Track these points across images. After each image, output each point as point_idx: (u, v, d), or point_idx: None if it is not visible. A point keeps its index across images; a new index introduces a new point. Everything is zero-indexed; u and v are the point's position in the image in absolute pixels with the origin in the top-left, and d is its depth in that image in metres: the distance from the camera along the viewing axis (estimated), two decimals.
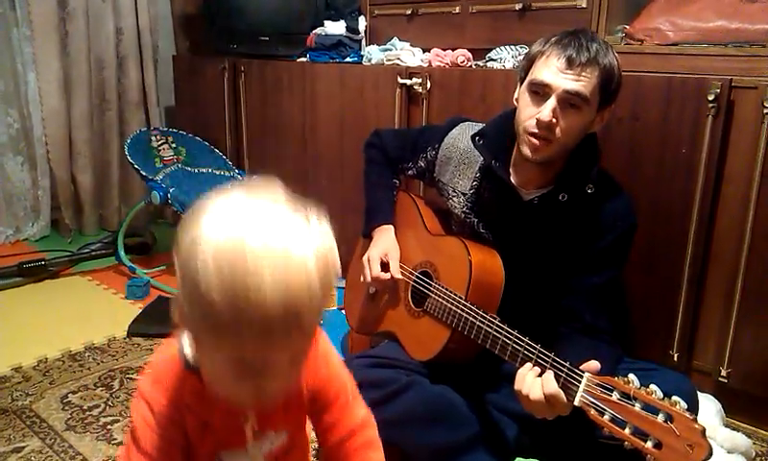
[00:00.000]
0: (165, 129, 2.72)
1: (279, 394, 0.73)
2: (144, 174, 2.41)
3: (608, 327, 1.33)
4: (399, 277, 1.49)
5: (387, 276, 1.50)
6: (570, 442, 1.33)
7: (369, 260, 1.53)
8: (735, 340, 1.53)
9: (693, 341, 1.62)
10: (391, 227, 1.59)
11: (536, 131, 1.25)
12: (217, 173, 2.67)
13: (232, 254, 0.61)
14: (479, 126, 1.46)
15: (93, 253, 2.58)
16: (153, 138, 2.61)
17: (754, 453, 1.39)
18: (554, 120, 1.23)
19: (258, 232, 0.62)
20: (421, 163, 1.57)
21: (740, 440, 1.31)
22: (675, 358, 1.61)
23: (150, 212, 3.10)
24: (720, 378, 1.56)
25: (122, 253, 2.49)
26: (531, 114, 1.26)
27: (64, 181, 2.87)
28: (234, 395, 0.71)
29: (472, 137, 1.41)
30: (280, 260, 0.62)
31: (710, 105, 1.46)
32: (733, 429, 1.39)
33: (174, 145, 2.65)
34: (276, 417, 0.82)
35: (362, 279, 1.55)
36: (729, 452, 1.27)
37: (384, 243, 1.55)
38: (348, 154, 2.32)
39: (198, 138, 2.71)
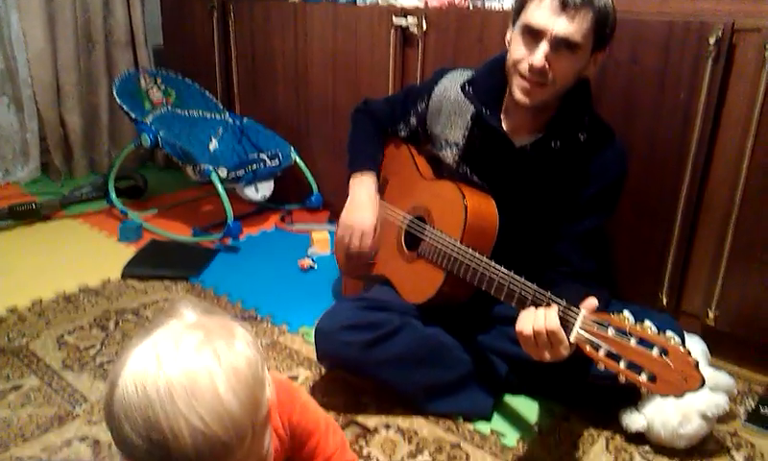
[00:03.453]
0: (154, 70, 2.65)
1: None
2: (133, 116, 2.37)
3: (596, 272, 1.35)
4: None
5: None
6: (558, 381, 1.37)
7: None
8: (724, 285, 1.55)
9: (682, 285, 1.64)
10: (369, 175, 1.56)
11: (528, 75, 1.23)
12: (208, 116, 2.62)
13: (145, 410, 0.65)
14: (468, 73, 1.43)
15: (84, 196, 2.56)
16: (141, 80, 2.55)
17: (736, 391, 1.43)
18: (546, 65, 1.21)
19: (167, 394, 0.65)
20: (413, 120, 1.55)
21: (723, 379, 1.35)
22: (664, 301, 1.64)
23: (140, 155, 3.07)
24: (707, 321, 1.59)
25: (113, 196, 2.47)
26: (523, 57, 1.24)
27: (53, 123, 2.82)
28: None
29: (462, 86, 1.39)
30: (194, 408, 0.65)
31: (711, 48, 1.44)
32: (717, 369, 1.43)
33: (163, 87, 2.59)
34: None
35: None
36: (712, 390, 1.30)
37: (359, 206, 1.53)
38: (341, 96, 2.29)
39: (188, 80, 2.65)
